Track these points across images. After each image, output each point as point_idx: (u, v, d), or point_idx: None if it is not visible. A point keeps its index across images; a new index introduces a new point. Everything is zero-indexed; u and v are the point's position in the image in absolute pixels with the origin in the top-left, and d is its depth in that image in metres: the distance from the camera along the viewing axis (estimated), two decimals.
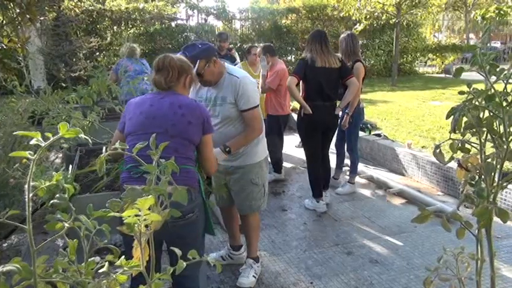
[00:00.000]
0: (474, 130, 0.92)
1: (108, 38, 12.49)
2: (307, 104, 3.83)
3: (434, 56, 18.14)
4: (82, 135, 0.70)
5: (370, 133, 6.03)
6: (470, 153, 0.97)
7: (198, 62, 2.39)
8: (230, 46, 6.70)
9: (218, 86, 2.57)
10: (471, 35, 27.70)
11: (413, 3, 13.30)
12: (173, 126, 1.88)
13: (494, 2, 16.61)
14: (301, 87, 3.98)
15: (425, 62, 19.37)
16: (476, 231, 1.08)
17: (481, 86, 1.10)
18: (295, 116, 4.75)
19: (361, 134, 5.65)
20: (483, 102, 0.90)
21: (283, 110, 4.78)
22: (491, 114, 0.89)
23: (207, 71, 2.46)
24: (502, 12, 8.41)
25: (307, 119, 3.88)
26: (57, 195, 0.74)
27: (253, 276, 2.83)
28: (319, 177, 4.11)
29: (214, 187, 2.82)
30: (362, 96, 4.26)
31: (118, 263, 0.69)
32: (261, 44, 5.10)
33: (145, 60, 5.85)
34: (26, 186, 0.67)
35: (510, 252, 3.14)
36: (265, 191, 2.85)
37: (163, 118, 1.90)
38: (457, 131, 0.93)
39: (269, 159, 5.05)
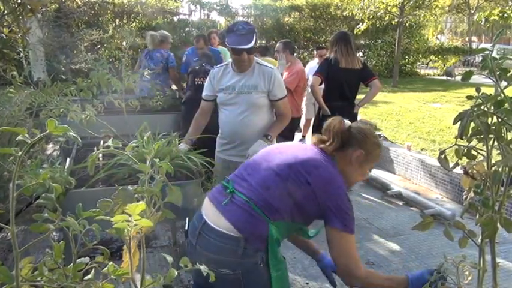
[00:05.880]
0: (481, 136, 0.89)
1: (110, 31, 12.43)
2: (325, 106, 3.82)
3: (436, 58, 18.12)
4: (70, 133, 0.66)
5: None
6: (476, 160, 0.95)
7: (254, 36, 2.44)
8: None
9: (247, 74, 2.57)
10: (473, 38, 27.67)
11: (417, 4, 13.27)
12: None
13: (497, 5, 16.56)
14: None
15: (427, 64, 19.36)
16: (480, 240, 1.05)
17: (484, 89, 1.08)
18: None
19: None
20: (492, 107, 0.87)
21: (298, 112, 4.64)
22: (500, 120, 0.86)
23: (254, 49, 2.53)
24: (505, 15, 8.38)
25: (325, 120, 3.87)
26: (43, 194, 0.71)
27: None
28: None
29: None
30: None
31: (105, 270, 0.66)
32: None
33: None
34: (11, 184, 0.64)
35: (506, 258, 3.12)
36: None
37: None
38: (463, 137, 0.90)
39: None
